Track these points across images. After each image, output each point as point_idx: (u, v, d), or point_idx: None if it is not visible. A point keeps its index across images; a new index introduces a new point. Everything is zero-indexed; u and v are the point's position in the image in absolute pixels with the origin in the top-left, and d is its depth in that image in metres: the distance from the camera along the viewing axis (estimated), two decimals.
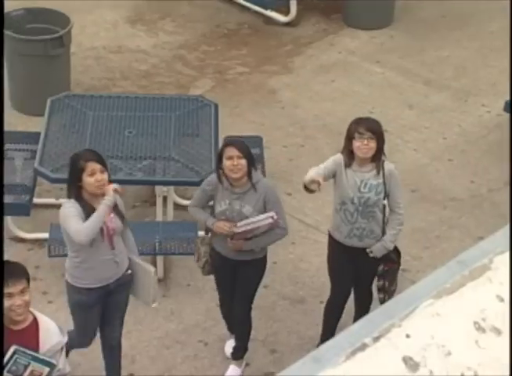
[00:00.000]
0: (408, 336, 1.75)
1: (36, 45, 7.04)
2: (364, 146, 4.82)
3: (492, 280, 1.89)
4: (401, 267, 6.08)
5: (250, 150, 4.92)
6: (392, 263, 5.11)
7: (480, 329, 1.81)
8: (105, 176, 4.51)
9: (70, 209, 4.51)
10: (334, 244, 5.11)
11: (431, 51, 8.38)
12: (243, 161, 4.75)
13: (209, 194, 4.92)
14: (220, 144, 6.36)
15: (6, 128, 6.91)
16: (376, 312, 1.84)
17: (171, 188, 6.14)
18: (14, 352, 3.75)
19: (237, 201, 4.82)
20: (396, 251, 5.15)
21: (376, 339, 1.72)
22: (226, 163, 4.76)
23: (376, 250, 4.99)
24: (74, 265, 4.65)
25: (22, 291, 3.78)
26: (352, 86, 7.91)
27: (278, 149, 7.12)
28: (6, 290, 3.77)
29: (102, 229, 4.53)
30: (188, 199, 6.52)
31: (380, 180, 4.92)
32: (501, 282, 1.89)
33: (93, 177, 4.48)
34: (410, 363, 1.71)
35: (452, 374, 1.73)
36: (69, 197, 4.61)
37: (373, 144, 4.83)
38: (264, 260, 5.02)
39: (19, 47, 7.07)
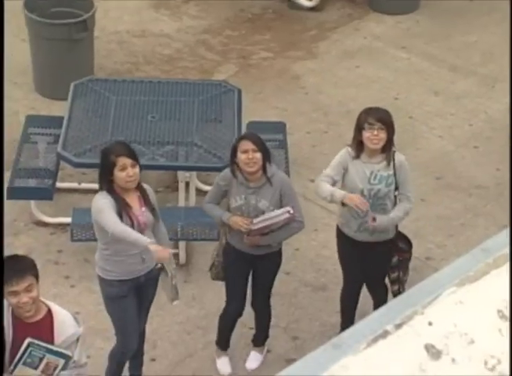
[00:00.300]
0: (430, 324, 1.74)
1: (60, 29, 7.06)
2: (374, 136, 4.74)
3: None
4: (425, 255, 6.08)
5: (265, 143, 4.85)
6: (404, 253, 5.08)
7: (503, 317, 1.80)
8: (136, 170, 4.46)
9: (103, 201, 4.47)
10: (344, 238, 5.03)
11: (458, 36, 8.31)
12: (258, 155, 4.69)
13: (223, 189, 4.85)
14: (243, 130, 6.37)
15: (30, 112, 6.96)
16: (399, 300, 1.83)
17: (194, 173, 6.15)
18: (28, 345, 3.75)
19: (253, 196, 4.78)
20: (407, 240, 5.10)
21: (398, 326, 1.72)
22: (241, 156, 4.70)
23: (379, 220, 4.83)
24: (104, 257, 4.64)
25: (27, 289, 3.74)
26: (377, 72, 7.87)
27: (301, 135, 7.10)
28: (11, 288, 3.73)
29: (132, 223, 4.50)
30: (210, 185, 6.53)
31: (391, 172, 4.84)
32: None
33: (124, 172, 4.43)
34: (432, 351, 1.71)
35: (474, 362, 1.72)
36: (100, 189, 4.56)
37: (383, 135, 4.76)
38: (280, 253, 5.00)
39: (43, 31, 7.10)
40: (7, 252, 5.92)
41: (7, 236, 6.08)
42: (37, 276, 3.84)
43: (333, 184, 4.89)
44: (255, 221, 4.73)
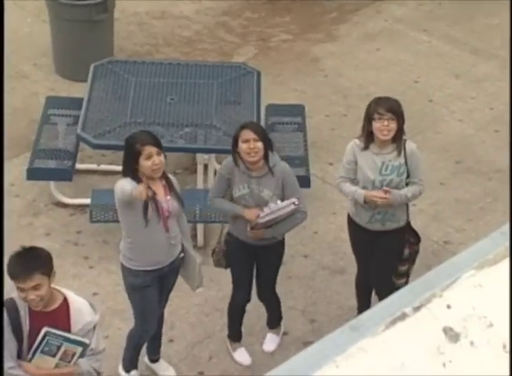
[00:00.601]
0: (449, 307, 1.74)
1: (80, 10, 7.07)
2: (384, 127, 4.68)
3: None
4: (443, 239, 6.06)
5: (267, 133, 4.82)
6: (413, 245, 5.05)
7: None
8: (162, 159, 4.43)
9: (125, 182, 4.43)
10: (355, 227, 5.00)
11: (481, 19, 8.24)
12: (260, 144, 4.64)
13: (226, 178, 4.79)
14: (262, 112, 6.36)
15: (50, 93, 6.99)
16: (417, 283, 1.83)
17: (213, 156, 6.15)
18: (45, 334, 3.75)
19: (255, 185, 4.74)
20: (415, 233, 5.06)
21: (417, 309, 1.72)
22: (242, 146, 4.65)
23: (392, 195, 4.77)
24: (128, 246, 4.62)
25: (35, 287, 3.68)
26: (398, 55, 7.82)
27: (320, 118, 7.08)
28: (18, 284, 3.70)
29: (158, 211, 4.49)
30: None
31: (402, 161, 4.79)
32: None
33: (150, 160, 4.39)
34: (451, 334, 1.71)
35: (493, 345, 1.72)
36: (124, 176, 4.51)
37: (393, 125, 4.70)
38: (282, 243, 4.98)
39: (63, 12, 7.11)
40: (27, 232, 5.99)
41: (27, 216, 6.14)
42: (49, 273, 3.72)
43: (352, 181, 4.86)
44: (262, 215, 4.69)
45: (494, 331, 1.75)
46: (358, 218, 4.96)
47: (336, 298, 5.64)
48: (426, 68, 7.66)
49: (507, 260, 1.83)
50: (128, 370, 5.03)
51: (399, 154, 4.80)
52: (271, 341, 5.30)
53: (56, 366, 3.83)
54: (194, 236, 5.98)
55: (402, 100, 7.24)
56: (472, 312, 1.75)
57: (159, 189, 4.53)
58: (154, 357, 5.12)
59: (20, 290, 3.70)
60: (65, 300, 3.83)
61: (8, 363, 3.75)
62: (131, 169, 4.45)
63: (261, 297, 5.17)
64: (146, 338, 4.93)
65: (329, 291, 5.69)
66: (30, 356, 3.79)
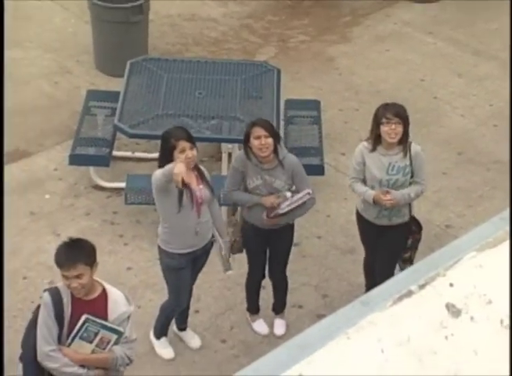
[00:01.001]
0: (451, 285, 1.72)
1: (118, 12, 7.05)
2: (392, 130, 4.63)
3: None
4: (445, 223, 6.01)
5: (276, 129, 4.76)
6: (416, 234, 5.01)
7: None
8: (194, 152, 4.41)
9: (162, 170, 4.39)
10: (363, 222, 4.96)
11: (481, 23, 8.14)
12: (270, 140, 4.61)
13: (240, 171, 4.75)
14: (281, 106, 6.33)
15: (91, 87, 6.99)
16: (422, 263, 1.80)
17: (236, 145, 6.12)
18: (85, 321, 3.72)
19: (268, 177, 4.72)
20: (417, 223, 5.01)
21: (422, 287, 1.69)
22: (254, 142, 4.62)
23: (393, 194, 4.73)
24: (164, 230, 4.60)
25: (77, 276, 3.66)
26: (405, 55, 7.75)
27: (334, 112, 7.03)
28: (62, 272, 3.68)
29: (192, 198, 4.46)
30: None
31: (408, 162, 4.73)
32: None
33: (183, 154, 4.37)
34: (453, 310, 1.68)
35: (491, 320, 1.70)
36: (160, 167, 4.44)
37: (400, 129, 4.64)
38: (292, 226, 4.94)
39: (103, 14, 7.10)
40: (69, 212, 6.01)
41: (69, 197, 6.15)
42: (91, 264, 3.70)
43: (362, 181, 4.82)
44: (282, 206, 4.68)
45: (492, 308, 1.72)
46: (366, 213, 4.91)
47: (346, 275, 5.61)
48: (431, 68, 7.58)
49: (507, 243, 1.80)
50: (158, 337, 5.04)
51: (405, 156, 4.74)
52: (280, 326, 5.25)
53: (92, 351, 3.79)
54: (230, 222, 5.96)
55: (408, 97, 7.23)
56: (473, 290, 1.73)
57: (192, 179, 4.49)
58: (182, 326, 5.13)
59: (65, 277, 3.69)
60: (104, 291, 3.80)
61: (49, 346, 3.72)
62: (167, 161, 4.41)
63: (272, 276, 5.14)
64: (178, 311, 4.94)
65: (340, 269, 5.66)
66: (69, 340, 3.76)
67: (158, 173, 4.41)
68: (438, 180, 6.30)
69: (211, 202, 4.66)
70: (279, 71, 6.47)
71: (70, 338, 3.75)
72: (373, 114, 4.76)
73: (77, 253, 3.70)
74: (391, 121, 4.64)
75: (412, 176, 4.78)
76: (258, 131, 4.63)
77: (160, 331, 5.01)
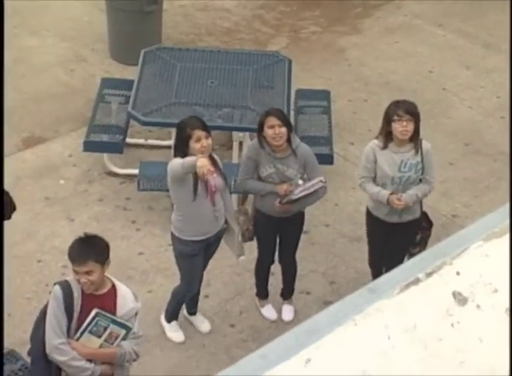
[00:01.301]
0: (458, 273, 1.71)
1: (133, 2, 7.04)
2: (403, 127, 4.56)
3: None
4: (451, 213, 5.99)
5: (288, 118, 4.74)
6: (426, 230, 4.96)
7: None
8: (209, 141, 4.39)
9: (179, 160, 4.36)
10: (374, 220, 4.90)
11: (491, 15, 8.08)
12: (284, 129, 4.60)
13: (253, 159, 4.74)
14: (292, 96, 6.30)
15: (105, 75, 6.99)
16: (430, 251, 1.79)
17: (247, 134, 6.12)
18: (96, 315, 3.70)
19: (280, 165, 4.71)
20: (428, 220, 4.97)
21: (429, 275, 1.69)
22: (268, 131, 4.61)
23: (406, 196, 4.71)
24: (178, 218, 4.58)
25: (87, 273, 3.64)
26: (415, 47, 7.70)
27: (343, 102, 7.01)
28: (73, 267, 3.66)
29: (206, 187, 4.43)
30: None
31: (419, 159, 4.68)
32: None
33: (199, 143, 4.34)
34: (459, 298, 1.67)
35: (497, 309, 1.69)
36: (175, 157, 4.43)
37: (411, 126, 4.58)
38: (302, 214, 4.94)
39: (118, 3, 7.08)
40: (83, 198, 6.02)
41: (83, 183, 6.17)
42: (103, 262, 3.67)
43: (373, 180, 4.77)
44: (295, 191, 4.66)
45: (498, 296, 1.71)
46: (377, 211, 4.85)
47: (353, 263, 5.61)
48: (440, 60, 7.53)
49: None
50: (169, 321, 5.06)
51: (416, 153, 4.68)
52: (288, 311, 5.25)
53: (100, 346, 3.76)
54: (245, 212, 5.95)
55: (417, 89, 7.20)
56: (479, 279, 1.72)
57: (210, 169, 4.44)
58: (192, 310, 5.14)
59: (75, 272, 3.67)
60: (113, 286, 3.78)
61: (59, 339, 3.70)
62: (182, 151, 4.40)
63: (282, 262, 5.15)
64: (189, 296, 4.95)
65: (347, 257, 5.66)
66: (78, 334, 3.73)
67: (176, 164, 4.37)
68: (445, 170, 6.27)
69: (224, 191, 4.66)
70: (290, 61, 6.44)
71: (79, 332, 3.72)
72: (384, 112, 4.69)
73: (89, 250, 3.66)
74: (402, 118, 4.58)
75: (422, 173, 4.74)
76: (272, 120, 4.61)
77: (171, 315, 5.03)
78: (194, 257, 4.68)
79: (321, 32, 7.95)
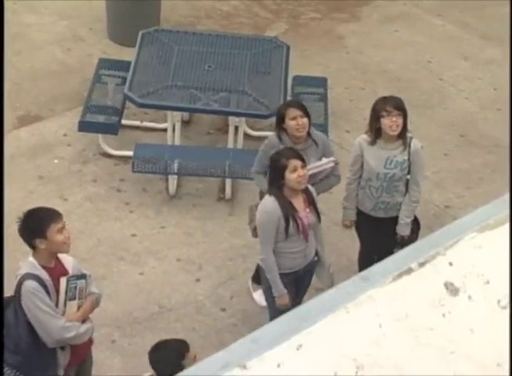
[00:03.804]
0: (451, 264, 1.71)
1: None
2: (393, 123, 4.54)
3: None
4: (444, 204, 6.00)
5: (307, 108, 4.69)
6: (413, 233, 4.88)
7: None
8: (306, 171, 4.28)
9: (269, 211, 4.29)
10: (360, 214, 4.90)
11: (491, 7, 8.05)
12: (306, 120, 4.56)
13: (269, 155, 4.58)
14: (289, 82, 6.29)
15: (102, 55, 6.95)
16: (423, 242, 1.80)
17: (243, 119, 6.11)
18: (67, 281, 3.80)
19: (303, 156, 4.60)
20: (416, 222, 4.91)
21: (422, 265, 1.69)
22: (291, 123, 4.56)
23: (401, 231, 4.76)
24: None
25: (64, 227, 3.80)
26: (413, 37, 7.68)
27: (340, 90, 6.99)
28: (59, 225, 3.75)
29: (298, 225, 4.32)
30: (257, 130, 6.49)
31: (406, 157, 4.64)
32: None
33: (295, 173, 4.21)
34: (451, 288, 1.68)
35: (488, 300, 1.70)
36: (270, 193, 4.33)
37: (400, 121, 4.55)
38: None
39: None
40: (76, 178, 6.00)
41: (77, 163, 6.15)
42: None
43: (360, 175, 4.79)
44: (308, 167, 4.53)
45: (490, 288, 1.72)
46: (362, 206, 4.86)
47: (346, 251, 5.62)
48: (438, 50, 7.52)
49: (507, 225, 1.79)
50: None
51: (404, 150, 4.65)
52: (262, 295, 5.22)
53: (78, 306, 3.86)
54: (223, 190, 5.97)
55: (414, 78, 7.18)
56: (471, 270, 1.72)
57: (300, 202, 4.36)
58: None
59: (60, 231, 3.74)
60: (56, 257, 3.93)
61: (61, 320, 3.78)
62: (278, 184, 4.27)
63: None
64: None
65: (340, 244, 5.67)
66: (63, 307, 3.82)
67: (266, 208, 4.30)
68: (439, 161, 6.28)
69: (317, 226, 4.54)
70: (288, 47, 6.42)
71: (62, 304, 3.81)
72: (371, 109, 4.65)
73: (53, 210, 3.87)
74: (391, 113, 4.55)
75: (409, 172, 4.70)
76: (294, 111, 4.57)
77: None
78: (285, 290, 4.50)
79: (320, 19, 7.92)
